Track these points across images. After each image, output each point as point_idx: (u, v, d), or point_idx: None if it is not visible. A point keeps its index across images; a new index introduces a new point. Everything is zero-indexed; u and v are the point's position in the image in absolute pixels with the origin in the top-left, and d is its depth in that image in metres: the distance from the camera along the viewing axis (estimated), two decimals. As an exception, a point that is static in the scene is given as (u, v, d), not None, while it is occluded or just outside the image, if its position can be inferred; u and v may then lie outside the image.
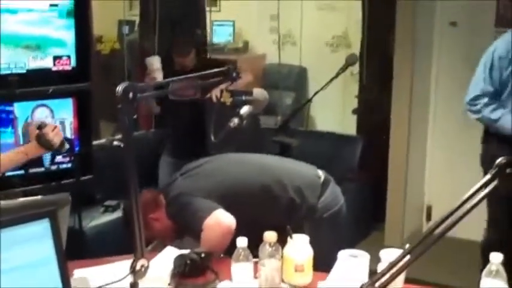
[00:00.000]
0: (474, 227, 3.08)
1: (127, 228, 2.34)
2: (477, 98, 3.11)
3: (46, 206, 1.52)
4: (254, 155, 2.72)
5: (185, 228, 2.41)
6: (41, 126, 2.38)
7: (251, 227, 2.06)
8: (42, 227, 1.45)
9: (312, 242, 2.11)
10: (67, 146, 2.45)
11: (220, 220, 2.26)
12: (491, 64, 3.04)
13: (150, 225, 2.38)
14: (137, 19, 5.32)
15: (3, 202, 1.82)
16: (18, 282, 1.41)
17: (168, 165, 4.08)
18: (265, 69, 6.21)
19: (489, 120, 3.09)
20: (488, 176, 1.59)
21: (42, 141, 2.35)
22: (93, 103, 3.62)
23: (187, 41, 4.28)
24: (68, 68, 3.50)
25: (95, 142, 3.80)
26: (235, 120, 2.26)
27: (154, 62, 3.98)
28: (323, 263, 2.13)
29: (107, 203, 3.77)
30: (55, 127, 2.38)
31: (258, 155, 2.71)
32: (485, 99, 3.07)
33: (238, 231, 2.06)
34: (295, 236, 2.11)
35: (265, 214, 2.35)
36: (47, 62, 3.41)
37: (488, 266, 1.83)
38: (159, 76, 3.98)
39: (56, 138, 2.36)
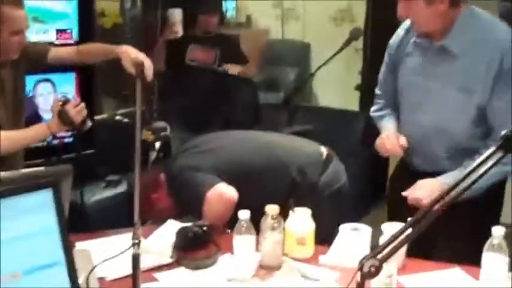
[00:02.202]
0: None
1: (130, 207, 2.36)
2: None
3: (48, 177, 1.52)
4: (256, 132, 2.72)
5: (187, 204, 2.40)
6: (64, 102, 2.36)
7: (252, 204, 2.06)
8: (45, 197, 1.44)
9: (313, 218, 2.11)
10: (89, 124, 2.42)
11: (223, 192, 2.26)
12: None
13: (153, 205, 2.38)
14: (140, -7, 5.28)
15: (5, 172, 1.82)
16: (20, 252, 1.41)
17: (181, 140, 4.07)
18: (268, 45, 6.17)
19: None
20: (493, 148, 1.59)
21: (64, 117, 2.33)
22: (95, 77, 3.61)
23: (214, 0, 4.23)
24: (71, 41, 3.49)
25: (97, 117, 3.79)
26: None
27: (176, 15, 3.98)
28: (324, 240, 2.14)
29: (109, 178, 3.77)
30: (78, 104, 2.36)
31: (260, 133, 2.70)
32: None
33: (239, 208, 2.06)
34: (297, 209, 2.11)
35: (266, 192, 2.35)
36: (49, 36, 3.40)
37: (489, 240, 1.83)
38: (179, 29, 3.97)
39: (77, 116, 2.34)
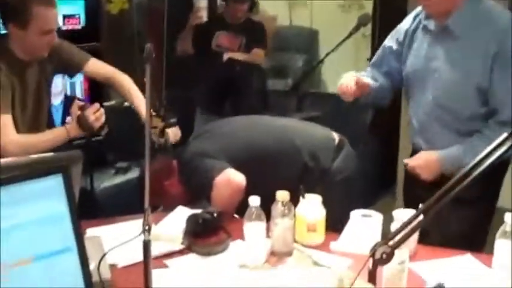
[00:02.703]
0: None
1: (141, 194, 2.35)
2: None
3: (59, 162, 1.51)
4: (268, 117, 2.70)
5: (196, 191, 2.40)
6: (83, 108, 2.36)
7: (263, 189, 2.05)
8: (55, 182, 1.44)
9: (324, 205, 2.10)
10: (107, 129, 2.43)
11: (231, 178, 2.25)
12: None
13: (165, 192, 2.38)
14: (147, -21, 5.25)
15: (15, 158, 1.81)
16: (31, 238, 1.40)
17: (205, 122, 4.06)
18: (276, 31, 6.14)
19: None
20: (501, 138, 1.58)
21: (82, 123, 2.34)
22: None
23: None
24: (78, 27, 3.48)
25: (105, 103, 3.79)
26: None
27: (201, 1, 4.00)
28: (335, 226, 2.13)
29: (118, 164, 3.77)
30: (98, 110, 2.36)
31: (272, 117, 2.68)
32: None
33: (250, 194, 2.05)
34: (307, 195, 2.10)
35: (277, 177, 2.34)
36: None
37: (502, 227, 1.82)
38: (204, 15, 3.99)
39: (96, 123, 2.36)
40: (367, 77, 2.49)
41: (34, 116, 2.46)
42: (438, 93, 2.28)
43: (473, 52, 2.19)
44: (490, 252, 1.87)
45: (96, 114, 2.35)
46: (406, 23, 2.45)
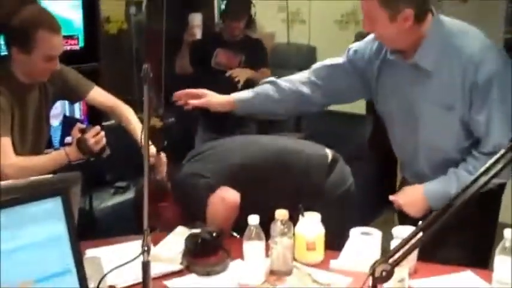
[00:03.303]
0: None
1: (137, 214, 2.35)
2: None
3: (58, 184, 1.52)
4: (259, 136, 2.71)
5: (192, 211, 2.40)
6: (83, 130, 2.36)
7: (261, 208, 2.05)
8: (54, 204, 1.44)
9: (323, 221, 2.10)
10: (108, 152, 2.42)
11: (225, 196, 2.26)
12: None
13: (160, 214, 2.38)
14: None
15: (15, 180, 1.81)
16: (30, 260, 1.41)
17: (204, 142, 4.06)
18: (274, 49, 6.17)
19: None
20: (498, 155, 1.58)
21: (82, 146, 2.33)
22: (102, 83, 3.61)
23: (242, 3, 4.19)
24: (76, 47, 3.49)
25: (104, 123, 3.80)
26: None
27: (196, 19, 4.04)
28: (334, 243, 2.13)
29: (117, 184, 3.78)
30: (98, 133, 2.35)
31: (263, 136, 2.70)
32: None
33: (248, 213, 2.05)
34: (306, 214, 2.10)
35: (271, 196, 2.33)
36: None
37: (501, 243, 1.81)
38: (198, 33, 4.01)
39: (96, 146, 2.34)
40: (269, 89, 2.43)
41: (34, 139, 2.46)
42: (425, 134, 2.18)
43: (450, 87, 2.07)
44: (491, 268, 1.87)
45: (96, 138, 2.34)
46: (366, 47, 2.34)
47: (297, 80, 2.44)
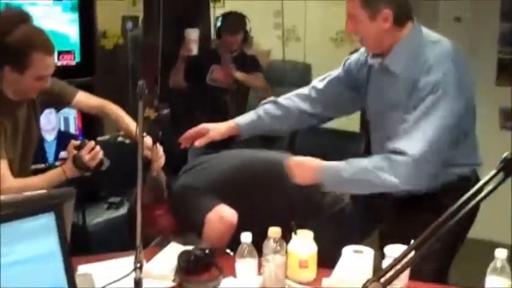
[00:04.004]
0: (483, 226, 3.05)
1: (131, 226, 2.34)
2: None
3: (51, 200, 1.52)
4: (259, 151, 2.70)
5: (187, 223, 2.40)
6: (79, 147, 2.36)
7: (255, 224, 2.06)
8: (47, 220, 1.45)
9: (316, 239, 2.10)
10: (107, 164, 2.41)
11: (223, 214, 2.26)
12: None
13: (156, 221, 2.38)
14: (141, 15, 5.31)
15: (8, 196, 1.81)
16: (22, 276, 1.41)
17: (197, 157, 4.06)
18: (270, 65, 6.19)
19: None
20: (494, 171, 1.59)
21: (77, 162, 2.32)
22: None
23: (238, 18, 4.25)
24: (72, 63, 3.51)
25: (99, 138, 3.80)
26: None
27: (192, 34, 4.05)
28: (328, 260, 2.12)
29: (111, 199, 3.77)
30: (93, 148, 2.35)
31: (264, 151, 2.69)
32: None
33: (241, 228, 2.06)
34: (299, 231, 2.10)
35: (268, 211, 2.34)
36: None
37: (493, 263, 1.82)
38: (194, 48, 4.02)
39: (92, 162, 2.33)
40: (271, 109, 2.50)
41: (23, 151, 2.45)
42: (389, 131, 2.22)
43: (404, 88, 2.15)
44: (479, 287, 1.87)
45: (91, 153, 2.33)
46: (359, 57, 2.43)
47: (297, 97, 2.52)
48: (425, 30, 2.22)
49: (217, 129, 2.50)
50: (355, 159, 2.17)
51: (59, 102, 2.61)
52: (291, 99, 2.53)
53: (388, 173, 2.07)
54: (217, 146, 3.00)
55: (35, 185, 2.31)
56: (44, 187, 2.31)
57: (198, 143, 2.44)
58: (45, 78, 2.32)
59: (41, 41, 2.27)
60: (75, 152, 2.34)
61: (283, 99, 2.53)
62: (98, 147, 2.37)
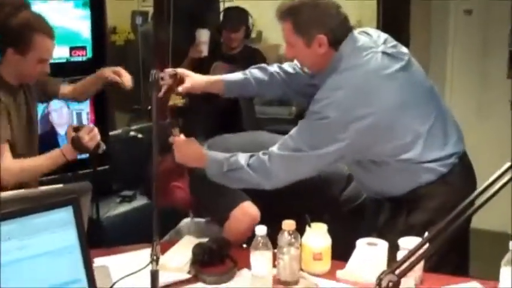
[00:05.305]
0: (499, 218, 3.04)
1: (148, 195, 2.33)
2: None
3: (68, 194, 1.53)
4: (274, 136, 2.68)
5: (209, 211, 2.41)
6: (77, 129, 2.38)
7: (270, 216, 2.06)
8: (65, 214, 1.46)
9: (331, 234, 2.11)
10: (103, 147, 2.43)
11: (248, 212, 2.27)
12: None
13: (173, 192, 2.39)
14: (151, 10, 5.32)
15: (25, 190, 1.83)
16: (41, 269, 1.42)
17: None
18: (278, 60, 6.18)
19: None
20: (509, 163, 1.59)
21: (77, 144, 2.35)
22: (109, 93, 3.64)
23: (239, 14, 4.21)
24: (84, 58, 3.52)
25: (111, 133, 3.82)
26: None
27: (203, 35, 4.01)
28: (342, 256, 2.13)
29: (123, 193, 3.79)
30: (91, 130, 2.38)
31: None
32: None
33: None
34: (313, 224, 2.11)
35: (284, 205, 2.31)
36: (63, 53, 3.43)
37: (507, 255, 1.82)
38: (204, 49, 3.99)
39: (90, 143, 2.36)
40: (251, 75, 2.47)
41: (29, 139, 2.49)
42: None
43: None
44: (497, 279, 1.88)
45: (90, 135, 2.36)
46: None
47: (284, 65, 2.50)
48: (357, 37, 2.20)
49: (198, 79, 2.42)
50: (240, 156, 2.20)
51: (48, 94, 2.68)
52: (278, 66, 2.50)
53: (256, 172, 2.15)
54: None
55: (35, 166, 2.35)
56: (43, 168, 2.36)
57: (181, 89, 2.34)
58: (46, 62, 2.39)
59: (42, 25, 2.35)
60: (73, 134, 2.36)
61: (270, 67, 2.50)
62: (95, 129, 2.40)
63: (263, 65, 2.51)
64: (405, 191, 2.21)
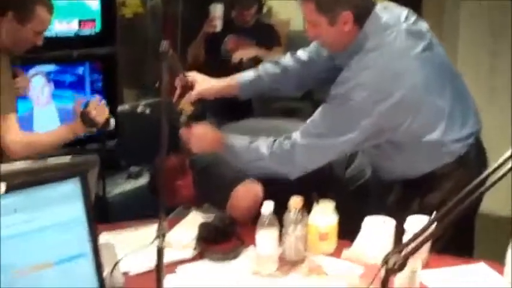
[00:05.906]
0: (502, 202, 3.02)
1: (152, 193, 2.34)
2: None
3: (76, 167, 1.52)
4: (281, 121, 2.68)
5: (213, 198, 2.41)
6: (86, 104, 2.37)
7: (276, 196, 2.06)
8: (73, 186, 1.45)
9: (338, 214, 2.10)
10: (113, 123, 2.42)
11: (251, 188, 2.26)
12: None
13: (177, 191, 2.38)
14: (160, -16, 5.28)
15: (33, 161, 1.83)
16: (48, 242, 1.41)
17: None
18: (289, 36, 6.13)
19: None
20: (499, 162, 1.56)
21: (86, 119, 2.34)
22: (118, 67, 3.62)
23: None
24: (93, 31, 3.50)
25: (119, 108, 3.80)
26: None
27: (217, 10, 3.99)
28: (348, 234, 2.12)
29: (131, 169, 3.79)
30: (98, 103, 2.37)
31: (285, 122, 2.67)
32: None
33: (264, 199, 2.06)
34: (321, 201, 2.09)
35: (289, 184, 2.30)
36: (72, 26, 3.41)
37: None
38: (219, 24, 3.98)
39: (99, 117, 2.35)
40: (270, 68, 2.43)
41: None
42: None
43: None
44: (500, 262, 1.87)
45: (97, 109, 2.35)
46: None
47: (297, 54, 2.45)
48: (379, 16, 2.11)
49: (208, 84, 2.38)
50: (261, 143, 2.16)
51: None
52: (292, 55, 2.46)
53: (280, 164, 2.13)
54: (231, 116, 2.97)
55: (43, 140, 2.37)
56: (51, 143, 2.36)
57: (189, 97, 2.32)
58: (41, 34, 2.41)
59: None
60: (81, 109, 2.35)
61: (283, 59, 2.46)
62: (103, 102, 2.38)
63: (276, 59, 2.47)
64: (424, 173, 2.19)
